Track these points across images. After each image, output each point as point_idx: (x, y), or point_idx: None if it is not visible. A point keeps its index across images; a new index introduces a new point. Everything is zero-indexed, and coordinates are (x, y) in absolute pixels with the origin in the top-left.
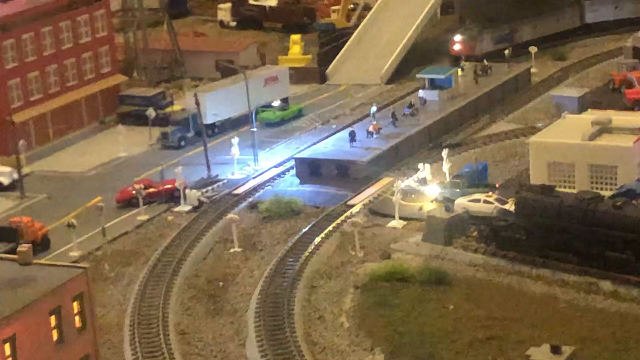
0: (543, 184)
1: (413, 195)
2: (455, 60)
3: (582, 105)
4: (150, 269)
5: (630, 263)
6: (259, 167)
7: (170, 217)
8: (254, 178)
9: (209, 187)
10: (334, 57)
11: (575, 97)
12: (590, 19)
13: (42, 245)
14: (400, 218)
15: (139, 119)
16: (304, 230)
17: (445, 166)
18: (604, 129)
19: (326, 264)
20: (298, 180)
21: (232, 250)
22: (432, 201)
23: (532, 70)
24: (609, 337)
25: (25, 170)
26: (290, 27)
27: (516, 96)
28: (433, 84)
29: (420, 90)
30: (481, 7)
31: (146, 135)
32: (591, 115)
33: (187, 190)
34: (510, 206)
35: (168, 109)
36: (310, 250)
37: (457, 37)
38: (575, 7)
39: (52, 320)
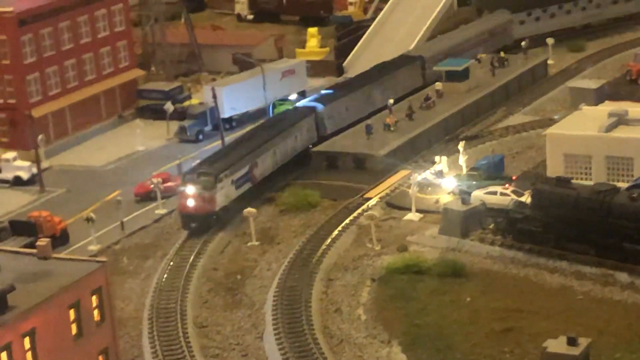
0: (559, 176)
1: (430, 188)
2: None
3: (599, 96)
4: (168, 262)
5: None
6: None
7: None
8: None
9: None
10: (351, 50)
11: (592, 88)
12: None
13: (61, 239)
14: (417, 211)
15: (157, 113)
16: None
17: (462, 159)
18: (621, 120)
19: (343, 256)
20: None
21: (249, 244)
22: (448, 194)
23: (549, 61)
24: (626, 329)
25: (44, 164)
26: (307, 20)
27: (533, 88)
28: (450, 76)
29: (437, 82)
30: None
31: (164, 129)
32: (608, 106)
33: None
34: (526, 198)
35: (186, 103)
36: (327, 243)
37: (190, 190)
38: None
39: (71, 314)
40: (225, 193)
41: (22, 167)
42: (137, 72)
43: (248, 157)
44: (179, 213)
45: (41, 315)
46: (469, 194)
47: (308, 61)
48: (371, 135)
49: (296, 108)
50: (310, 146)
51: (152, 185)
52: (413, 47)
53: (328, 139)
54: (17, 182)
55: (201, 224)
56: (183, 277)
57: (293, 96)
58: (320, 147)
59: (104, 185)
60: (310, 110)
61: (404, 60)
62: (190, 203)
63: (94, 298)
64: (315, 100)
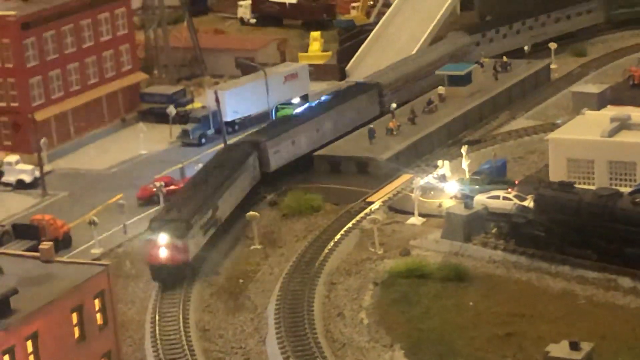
0: (562, 181)
1: (432, 192)
2: None
3: (602, 101)
4: None
5: None
6: None
7: None
8: None
9: None
10: (354, 54)
11: (594, 93)
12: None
13: (63, 242)
14: (420, 215)
15: (160, 117)
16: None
17: (465, 163)
18: (624, 125)
19: (346, 260)
20: None
21: (252, 248)
22: (451, 198)
23: (552, 66)
24: (628, 334)
25: (47, 168)
26: (310, 24)
27: (536, 92)
28: (452, 81)
29: (439, 87)
30: (501, 3)
31: (167, 133)
32: (610, 111)
33: None
34: (529, 203)
35: (188, 107)
36: (329, 247)
37: (162, 239)
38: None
39: (74, 317)
40: (196, 241)
41: (25, 171)
42: (140, 76)
43: (211, 199)
44: (148, 264)
45: (44, 318)
46: (472, 198)
47: (310, 65)
48: (374, 139)
49: (241, 142)
50: (255, 185)
51: (154, 189)
52: (369, 75)
53: (274, 177)
54: (20, 185)
55: (174, 276)
56: (186, 281)
57: (296, 100)
58: (323, 151)
59: (107, 188)
60: (254, 145)
61: (359, 88)
62: (162, 253)
63: (96, 301)
64: (260, 132)
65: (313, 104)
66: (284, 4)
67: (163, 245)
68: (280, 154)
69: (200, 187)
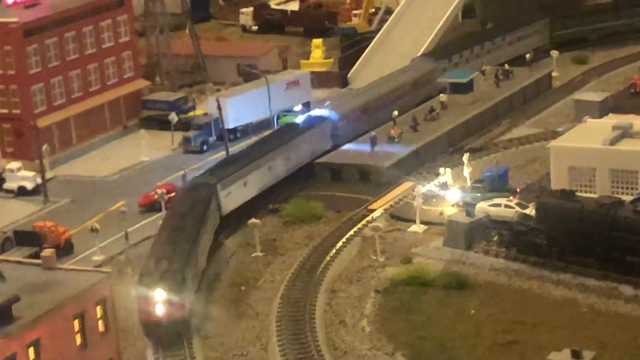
0: (563, 189)
1: (434, 200)
2: None
3: (604, 109)
4: None
5: None
6: None
7: None
8: None
9: None
10: (356, 61)
11: (596, 101)
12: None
13: (65, 249)
14: (421, 222)
15: (162, 124)
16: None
17: (466, 171)
18: (625, 133)
19: (347, 268)
20: None
21: (253, 255)
22: (453, 206)
23: (554, 74)
24: (630, 342)
25: (49, 174)
26: (311, 31)
27: (537, 100)
28: (454, 88)
29: (441, 94)
30: (502, 11)
31: (168, 140)
32: (612, 119)
33: None
34: (531, 211)
35: (190, 114)
36: (331, 254)
37: (158, 294)
38: None
39: (76, 324)
40: (189, 294)
41: (27, 177)
42: (142, 83)
43: (193, 250)
44: (141, 322)
45: (46, 325)
46: (473, 206)
47: (312, 72)
48: (375, 146)
49: (196, 184)
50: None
51: (156, 196)
52: (321, 105)
53: (227, 220)
54: (22, 192)
55: (172, 334)
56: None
57: (298, 107)
58: (325, 159)
59: (109, 195)
60: (208, 189)
61: (311, 122)
62: (158, 310)
63: (98, 308)
64: (210, 173)
65: (263, 137)
66: (286, 11)
67: (159, 301)
68: (231, 196)
69: (179, 235)
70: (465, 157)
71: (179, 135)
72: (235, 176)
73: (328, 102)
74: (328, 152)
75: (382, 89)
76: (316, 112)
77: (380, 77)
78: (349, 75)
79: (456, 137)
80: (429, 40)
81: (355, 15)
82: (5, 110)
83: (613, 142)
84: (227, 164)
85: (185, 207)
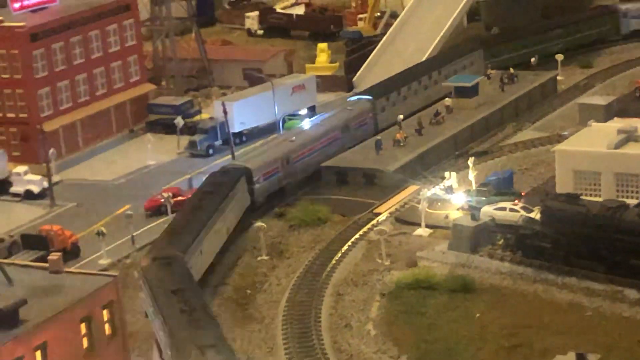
0: (569, 193)
1: (439, 204)
2: None
3: (609, 113)
4: None
5: None
6: None
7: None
8: None
9: None
10: (361, 65)
11: (601, 105)
12: None
13: (72, 253)
14: (427, 226)
15: (167, 128)
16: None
17: (471, 174)
18: (630, 137)
19: (353, 271)
20: None
21: (259, 258)
22: (458, 209)
23: (559, 78)
24: (635, 346)
25: (55, 178)
26: (317, 36)
27: (542, 104)
28: (459, 92)
29: (446, 98)
30: (507, 15)
31: (174, 144)
32: (617, 123)
33: None
34: (536, 214)
35: (196, 118)
36: (337, 258)
37: None
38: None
39: (83, 328)
40: None
41: (33, 181)
42: (148, 87)
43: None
44: None
45: (53, 329)
46: (479, 209)
47: (318, 76)
48: (381, 150)
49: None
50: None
51: (162, 200)
52: (236, 162)
53: None
54: (28, 196)
55: None
56: None
57: (303, 111)
58: (330, 162)
59: (115, 199)
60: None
61: (223, 176)
62: None
63: (105, 312)
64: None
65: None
66: (292, 15)
67: None
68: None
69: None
70: (471, 161)
71: (184, 139)
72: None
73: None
74: (248, 209)
75: (306, 135)
76: (231, 165)
77: (309, 122)
78: (355, 79)
79: (461, 141)
80: (434, 44)
81: (361, 19)
82: (12, 114)
83: (618, 145)
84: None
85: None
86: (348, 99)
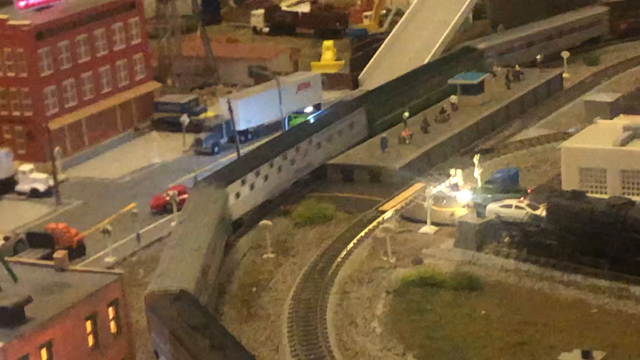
0: (574, 190)
1: (445, 201)
2: None
3: (614, 110)
4: None
5: None
6: None
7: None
8: None
9: None
10: (367, 63)
11: (607, 102)
12: None
13: (77, 251)
14: (432, 224)
15: (173, 126)
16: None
17: (477, 172)
18: (636, 134)
19: (358, 269)
20: None
21: (265, 256)
22: (463, 207)
23: (564, 75)
24: None
25: (61, 176)
26: (322, 33)
27: (548, 101)
28: (465, 90)
29: (452, 96)
30: (514, 12)
31: (180, 142)
32: (623, 120)
33: None
34: (541, 212)
35: (201, 116)
36: (342, 255)
37: None
38: None
39: (88, 325)
40: None
41: (39, 180)
42: (153, 85)
43: None
44: None
45: (58, 327)
46: (484, 207)
47: (323, 74)
48: (386, 148)
49: None
50: None
51: (168, 198)
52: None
53: None
54: (34, 194)
55: None
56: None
57: (308, 109)
58: (336, 160)
59: (120, 197)
60: None
61: None
62: None
63: (110, 310)
64: None
65: None
66: (297, 13)
67: None
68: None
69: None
70: (476, 158)
71: (190, 137)
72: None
73: None
74: None
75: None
76: None
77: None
78: (360, 77)
79: (467, 139)
80: (440, 41)
81: (366, 16)
82: (17, 113)
83: (624, 143)
84: None
85: None
86: (192, 187)
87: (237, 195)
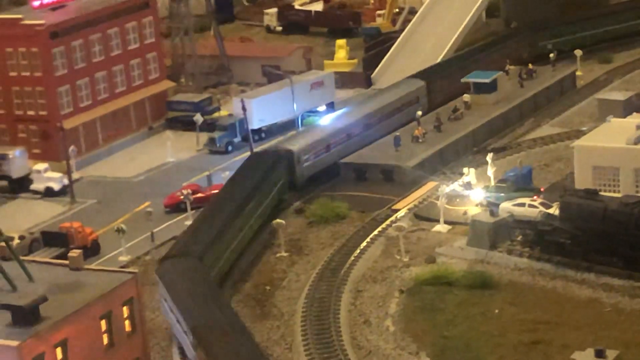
0: (587, 188)
1: (458, 200)
2: None
3: (628, 108)
4: None
5: None
6: None
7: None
8: None
9: None
10: (380, 62)
11: (620, 100)
12: None
13: (92, 250)
14: (445, 222)
15: (187, 125)
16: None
17: (490, 170)
18: None
19: (372, 268)
20: None
21: (278, 255)
22: (476, 205)
23: (578, 73)
24: None
25: (75, 175)
26: (335, 32)
27: (561, 100)
28: (478, 88)
29: (465, 94)
30: (527, 10)
31: (194, 141)
32: (636, 119)
33: None
34: (554, 210)
35: (215, 115)
36: (355, 254)
37: None
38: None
39: (103, 324)
40: None
41: (53, 179)
42: (167, 84)
43: None
44: None
45: (73, 325)
46: (497, 205)
47: (336, 73)
48: (399, 146)
49: None
50: None
51: (182, 197)
52: None
53: None
54: (49, 193)
55: None
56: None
57: (322, 108)
58: (349, 159)
59: (134, 196)
60: None
61: None
62: None
63: (125, 309)
64: None
65: None
66: (310, 11)
67: None
68: None
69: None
70: (489, 157)
71: (204, 136)
72: None
73: None
74: None
75: None
76: None
77: None
78: (373, 75)
79: (480, 137)
80: (453, 40)
81: (379, 15)
82: (32, 112)
83: (637, 141)
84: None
85: None
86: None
87: None
